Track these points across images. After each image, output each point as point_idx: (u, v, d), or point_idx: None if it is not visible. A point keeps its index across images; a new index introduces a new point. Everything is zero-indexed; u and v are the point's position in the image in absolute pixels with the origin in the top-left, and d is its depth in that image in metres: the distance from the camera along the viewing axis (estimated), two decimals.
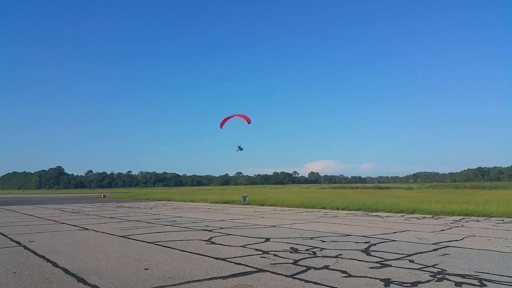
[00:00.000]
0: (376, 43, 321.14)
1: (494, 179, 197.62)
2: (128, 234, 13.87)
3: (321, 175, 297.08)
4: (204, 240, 12.06)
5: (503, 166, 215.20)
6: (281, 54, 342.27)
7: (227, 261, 8.68)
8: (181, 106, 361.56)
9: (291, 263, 8.33)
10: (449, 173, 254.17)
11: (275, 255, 9.37)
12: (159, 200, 48.15)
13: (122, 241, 12.19)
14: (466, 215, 20.50)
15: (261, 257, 9.14)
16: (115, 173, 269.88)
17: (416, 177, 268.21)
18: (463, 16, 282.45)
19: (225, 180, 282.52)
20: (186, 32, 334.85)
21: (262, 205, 33.46)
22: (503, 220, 17.58)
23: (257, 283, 6.69)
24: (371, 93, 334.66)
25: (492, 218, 18.72)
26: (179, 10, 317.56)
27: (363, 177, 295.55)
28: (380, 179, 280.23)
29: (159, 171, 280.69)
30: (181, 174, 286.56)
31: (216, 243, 11.43)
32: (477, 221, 17.62)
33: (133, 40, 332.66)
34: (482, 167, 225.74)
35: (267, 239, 12.19)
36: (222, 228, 15.69)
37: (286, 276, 7.17)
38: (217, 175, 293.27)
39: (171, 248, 10.63)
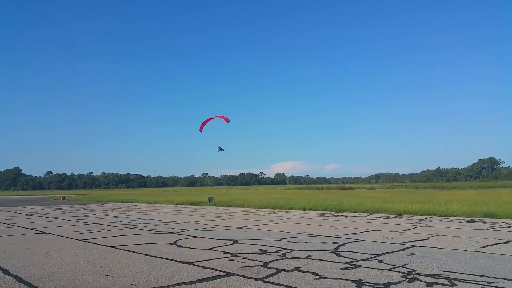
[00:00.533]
0: (338, 47, 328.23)
1: (452, 180, 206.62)
2: (88, 238, 13.19)
3: (287, 176, 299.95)
4: (169, 243, 11.60)
5: (460, 167, 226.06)
6: (247, 55, 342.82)
7: (194, 265, 8.31)
8: (145, 107, 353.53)
9: (261, 266, 8.08)
10: (409, 173, 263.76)
11: (244, 257, 9.09)
12: (121, 202, 46.79)
13: (82, 245, 11.55)
14: (429, 214, 21.07)
15: (230, 260, 8.83)
16: (76, 174, 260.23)
17: (378, 178, 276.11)
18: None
19: (191, 181, 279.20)
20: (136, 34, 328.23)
21: (229, 206, 33.11)
22: (464, 219, 18.17)
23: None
24: (334, 96, 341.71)
25: (453, 217, 19.32)
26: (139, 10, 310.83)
27: (327, 177, 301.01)
28: (344, 180, 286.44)
29: (122, 172, 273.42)
30: (145, 175, 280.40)
31: (182, 246, 11.01)
32: (440, 220, 18.12)
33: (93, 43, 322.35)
34: (441, 168, 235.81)
35: (235, 241, 11.89)
36: (188, 230, 15.24)
37: (256, 279, 6.92)
38: (182, 176, 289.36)
39: (134, 252, 10.13)
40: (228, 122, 25.07)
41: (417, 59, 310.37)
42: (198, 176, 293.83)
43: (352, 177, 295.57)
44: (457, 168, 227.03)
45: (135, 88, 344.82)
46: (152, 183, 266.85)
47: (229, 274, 7.38)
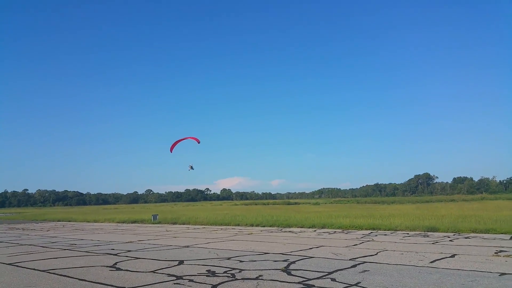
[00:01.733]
0: (284, 65, 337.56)
1: (390, 195, 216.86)
2: (17, 261, 11.89)
3: (233, 191, 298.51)
4: (108, 266, 10.57)
5: (397, 183, 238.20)
6: (197, 69, 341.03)
7: None
8: (84, 120, 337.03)
9: None
10: (349, 188, 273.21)
11: (190, 280, 8.40)
12: (58, 221, 43.60)
13: (9, 270, 10.34)
14: (373, 229, 21.47)
15: (175, 283, 8.10)
16: (9, 191, 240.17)
17: (321, 193, 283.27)
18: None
19: (134, 198, 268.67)
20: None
21: (174, 223, 31.83)
22: (408, 234, 18.63)
23: None
24: (276, 113, 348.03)
25: (398, 232, 19.78)
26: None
27: (273, 193, 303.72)
28: (289, 195, 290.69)
29: (59, 189, 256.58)
30: (84, 192, 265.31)
31: (122, 269, 10.05)
32: (385, 235, 18.45)
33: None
34: (379, 183, 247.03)
35: (181, 262, 11.11)
36: (129, 251, 14.14)
37: None
38: (125, 193, 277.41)
39: (68, 276, 9.10)
40: (198, 142, 24.81)
41: (358, 77, 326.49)
42: (142, 193, 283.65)
43: (297, 192, 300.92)
44: (395, 183, 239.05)
45: (72, 100, 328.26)
46: (91, 201, 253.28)
47: None
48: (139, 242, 17.47)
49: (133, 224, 33.37)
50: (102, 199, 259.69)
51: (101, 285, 8.08)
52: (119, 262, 11.38)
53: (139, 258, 12.18)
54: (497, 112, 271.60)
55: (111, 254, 13.35)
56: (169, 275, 9.09)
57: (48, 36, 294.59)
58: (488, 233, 17.70)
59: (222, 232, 22.20)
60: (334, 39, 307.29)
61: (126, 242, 17.39)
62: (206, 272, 9.37)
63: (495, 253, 11.51)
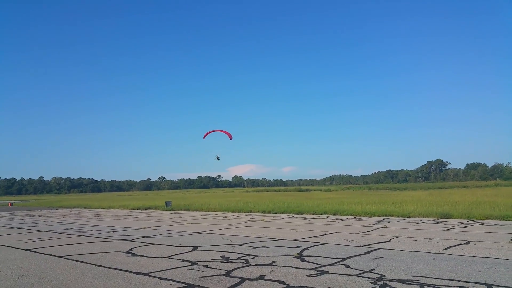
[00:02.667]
0: (293, 53, 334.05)
1: (402, 181, 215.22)
2: (34, 247, 12.14)
3: (245, 178, 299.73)
4: (123, 252, 10.76)
5: (409, 169, 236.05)
6: (204, 56, 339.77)
7: (150, 276, 7.62)
8: (98, 109, 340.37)
9: (224, 275, 7.53)
10: (361, 175, 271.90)
11: (205, 266, 8.49)
12: (73, 208, 44.45)
13: (27, 256, 10.55)
14: (386, 215, 21.39)
15: (190, 269, 8.21)
16: (26, 178, 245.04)
17: (332, 180, 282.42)
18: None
19: (147, 185, 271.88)
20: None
21: (187, 210, 32.17)
22: (421, 220, 18.53)
23: None
24: (289, 99, 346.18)
25: (410, 218, 19.68)
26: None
27: (284, 180, 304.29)
28: (300, 182, 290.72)
29: (75, 176, 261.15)
30: (99, 179, 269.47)
31: (137, 255, 10.22)
32: (398, 221, 18.37)
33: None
34: (391, 169, 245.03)
35: (195, 248, 11.25)
36: (144, 237, 14.36)
37: None
38: (138, 180, 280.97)
39: (85, 262, 9.26)
40: (231, 139, 25.63)
41: (369, 65, 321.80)
42: (155, 180, 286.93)
43: (308, 179, 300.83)
44: (407, 169, 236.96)
45: (86, 89, 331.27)
46: (106, 188, 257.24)
47: (189, 285, 6.77)
48: (154, 228, 17.72)
49: (147, 211, 33.84)
50: (116, 186, 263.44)
51: (117, 270, 8.23)
52: (134, 248, 11.57)
53: (154, 244, 12.36)
54: (508, 96, 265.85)
55: (126, 240, 13.57)
56: (184, 260, 9.21)
57: (60, 25, 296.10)
58: (503, 219, 17.50)
59: (234, 218, 22.37)
60: (340, 27, 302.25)
61: (141, 228, 17.65)
62: (220, 258, 9.46)
63: (511, 240, 11.37)
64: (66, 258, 9.93)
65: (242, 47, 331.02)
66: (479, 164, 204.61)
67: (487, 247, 10.13)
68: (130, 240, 13.37)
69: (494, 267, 7.66)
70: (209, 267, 8.31)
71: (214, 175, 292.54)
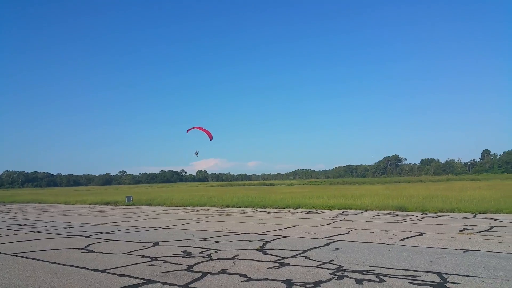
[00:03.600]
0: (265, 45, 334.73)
1: (361, 176, 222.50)
2: None
3: (209, 173, 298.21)
4: (80, 249, 10.41)
5: (368, 164, 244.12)
6: (175, 52, 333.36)
7: (107, 272, 7.43)
8: (53, 97, 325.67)
9: (185, 270, 7.47)
10: (323, 170, 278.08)
11: (165, 261, 8.38)
12: (27, 203, 42.44)
13: None
14: (345, 208, 22.00)
15: (149, 265, 8.07)
16: None
17: (296, 174, 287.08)
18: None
19: (107, 180, 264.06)
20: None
21: (149, 205, 31.57)
22: (378, 213, 19.21)
23: None
24: (253, 94, 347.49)
25: (368, 211, 20.36)
26: None
27: (248, 174, 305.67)
28: (265, 176, 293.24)
29: (29, 170, 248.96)
30: (54, 173, 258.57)
31: (94, 251, 9.93)
32: (356, 214, 18.95)
33: None
34: (351, 165, 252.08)
35: (156, 243, 11.07)
36: (102, 233, 13.96)
37: (179, 286, 6.32)
38: (97, 174, 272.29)
39: (38, 260, 8.89)
40: (210, 139, 26.21)
41: (332, 62, 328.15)
42: (115, 174, 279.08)
43: (272, 173, 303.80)
44: (366, 164, 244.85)
45: (39, 78, 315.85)
46: (62, 182, 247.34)
47: (148, 281, 6.66)
48: (113, 224, 17.27)
49: (106, 206, 32.89)
50: (73, 181, 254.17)
51: (73, 267, 7.96)
52: (91, 244, 11.23)
53: (113, 240, 12.05)
54: (463, 98, 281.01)
55: (83, 236, 13.14)
56: (144, 256, 9.04)
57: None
58: (453, 212, 18.46)
59: (198, 213, 22.22)
60: (304, 20, 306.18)
61: (99, 224, 17.15)
62: (182, 253, 9.38)
63: (460, 231, 12.04)
64: (17, 256, 9.49)
65: (207, 38, 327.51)
66: (432, 159, 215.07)
67: (439, 238, 10.66)
68: (87, 237, 12.96)
69: (445, 257, 8.08)
70: (170, 263, 8.22)
71: (178, 169, 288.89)
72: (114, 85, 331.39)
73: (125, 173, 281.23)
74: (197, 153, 29.74)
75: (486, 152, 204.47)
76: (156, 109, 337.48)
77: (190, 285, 6.34)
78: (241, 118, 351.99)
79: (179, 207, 27.90)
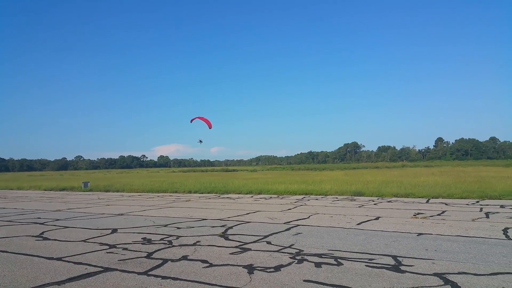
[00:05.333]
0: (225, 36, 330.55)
1: (322, 162, 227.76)
2: None
3: (171, 158, 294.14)
4: (33, 236, 9.98)
5: (328, 151, 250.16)
6: (138, 41, 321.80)
7: (63, 261, 7.17)
8: (4, 80, 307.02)
9: (145, 257, 7.34)
10: (285, 156, 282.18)
11: (124, 248, 8.20)
12: None
13: None
14: (306, 194, 22.45)
15: (108, 252, 7.87)
16: None
17: (258, 160, 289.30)
18: None
19: (62, 165, 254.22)
20: None
21: (107, 191, 30.75)
22: (337, 198, 19.77)
23: (103, 287, 5.55)
24: (215, 81, 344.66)
25: (328, 196, 20.89)
26: None
27: (211, 160, 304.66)
28: (227, 162, 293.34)
29: None
30: (6, 157, 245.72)
31: (49, 239, 9.55)
32: (317, 199, 19.40)
33: None
34: (312, 151, 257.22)
35: (114, 230, 10.80)
36: (57, 220, 13.45)
37: (139, 273, 6.20)
38: (52, 159, 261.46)
39: None
40: (210, 128, 26.52)
41: (293, 50, 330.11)
42: (71, 159, 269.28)
43: (235, 159, 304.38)
44: (326, 151, 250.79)
45: None
46: (15, 167, 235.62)
47: (106, 269, 6.49)
48: (69, 210, 16.67)
49: (62, 192, 31.70)
50: (27, 166, 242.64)
51: (26, 256, 7.62)
52: (46, 231, 10.79)
53: (69, 227, 11.63)
54: (418, 88, 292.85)
55: (37, 223, 12.60)
56: (102, 244, 8.80)
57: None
58: (408, 197, 19.31)
59: (158, 199, 21.89)
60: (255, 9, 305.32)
61: (54, 211, 16.50)
62: (142, 240, 9.21)
63: (414, 215, 12.62)
64: None
65: (173, 20, 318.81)
66: (389, 147, 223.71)
67: (394, 222, 11.12)
68: (42, 224, 12.43)
69: (399, 240, 8.44)
70: (129, 250, 8.05)
71: (138, 154, 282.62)
72: (69, 67, 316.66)
73: (81, 158, 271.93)
74: (200, 141, 29.83)
75: (439, 140, 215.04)
76: (114, 92, 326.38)
77: (150, 273, 6.24)
78: (203, 104, 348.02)
79: (139, 193, 27.37)
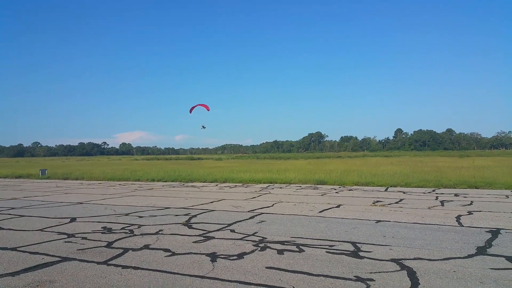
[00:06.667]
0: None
1: (287, 151, 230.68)
2: None
3: (134, 146, 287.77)
4: None
5: (293, 140, 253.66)
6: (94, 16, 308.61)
7: (18, 250, 6.89)
8: None
9: (105, 246, 7.18)
10: (251, 145, 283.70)
11: (83, 238, 7.98)
12: None
13: None
14: (271, 182, 22.68)
15: (66, 242, 7.63)
16: None
17: (224, 149, 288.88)
18: None
19: (18, 151, 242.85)
20: None
21: (66, 179, 29.69)
22: (300, 187, 20.10)
23: (61, 277, 5.38)
24: (181, 69, 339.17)
25: (292, 185, 21.21)
26: None
27: (176, 148, 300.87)
28: (193, 151, 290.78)
29: None
30: None
31: (3, 228, 9.13)
32: (281, 188, 19.65)
33: None
34: (278, 140, 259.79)
35: (73, 219, 10.47)
36: (12, 208, 12.87)
37: (98, 263, 6.06)
38: (7, 145, 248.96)
39: None
40: (208, 110, 27.21)
41: (259, 40, 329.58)
42: (28, 146, 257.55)
43: (201, 148, 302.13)
44: (291, 140, 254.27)
45: None
46: None
47: (64, 259, 6.30)
48: (25, 198, 15.97)
49: (18, 180, 30.29)
50: None
51: None
52: (0, 220, 10.30)
53: (25, 215, 11.16)
54: (379, 80, 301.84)
55: None
56: (60, 233, 8.51)
57: None
58: (368, 185, 19.94)
59: (120, 187, 21.39)
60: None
61: (9, 199, 15.76)
62: (102, 229, 8.98)
63: (373, 203, 13.06)
64: None
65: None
66: (351, 137, 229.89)
67: (354, 210, 11.47)
68: None
69: (358, 227, 8.72)
70: (89, 239, 7.83)
71: (99, 141, 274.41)
72: (30, 50, 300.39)
73: (39, 145, 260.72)
74: (203, 127, 29.40)
75: (398, 131, 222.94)
76: (74, 76, 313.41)
77: (110, 262, 6.11)
78: (169, 91, 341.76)
79: (99, 182, 26.62)
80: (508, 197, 14.29)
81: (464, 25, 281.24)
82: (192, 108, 26.85)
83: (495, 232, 8.03)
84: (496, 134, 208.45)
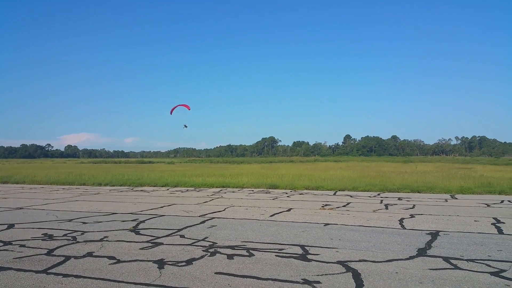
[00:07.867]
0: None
1: (240, 155, 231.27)
2: None
3: (80, 148, 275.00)
4: None
5: (247, 144, 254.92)
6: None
7: None
8: None
9: (45, 254, 6.79)
10: (204, 149, 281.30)
11: (21, 245, 7.49)
12: None
13: None
14: (223, 186, 22.58)
15: (2, 250, 7.13)
16: None
17: (177, 152, 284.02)
18: None
19: None
20: None
21: (5, 182, 27.81)
22: (253, 191, 20.19)
23: None
24: (135, 69, 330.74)
25: (244, 189, 21.24)
26: None
27: (126, 151, 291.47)
28: (144, 154, 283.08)
29: None
30: None
31: None
32: (233, 192, 19.61)
33: None
34: (232, 144, 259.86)
35: (11, 226, 9.81)
36: None
37: (37, 272, 5.71)
38: None
39: None
40: (189, 109, 27.28)
41: (215, 43, 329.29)
42: None
43: (152, 151, 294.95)
44: (245, 145, 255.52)
45: None
46: None
47: None
48: None
49: None
50: None
51: None
52: None
53: None
54: (329, 89, 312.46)
55: None
56: None
57: None
58: (318, 189, 20.44)
59: (64, 192, 20.34)
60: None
61: None
62: (42, 236, 8.48)
63: (322, 206, 13.40)
64: None
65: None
66: (303, 142, 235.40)
67: (304, 213, 11.69)
68: None
69: (308, 230, 8.90)
70: (27, 247, 7.36)
71: (43, 143, 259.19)
72: None
73: None
74: (185, 126, 28.34)
75: (347, 137, 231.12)
76: (16, 72, 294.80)
77: (50, 271, 5.78)
78: (117, 92, 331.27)
79: (42, 186, 25.16)
80: (447, 201, 15.23)
81: (405, 31, 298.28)
82: (173, 108, 26.88)
83: (434, 234, 8.52)
84: (437, 141, 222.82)
